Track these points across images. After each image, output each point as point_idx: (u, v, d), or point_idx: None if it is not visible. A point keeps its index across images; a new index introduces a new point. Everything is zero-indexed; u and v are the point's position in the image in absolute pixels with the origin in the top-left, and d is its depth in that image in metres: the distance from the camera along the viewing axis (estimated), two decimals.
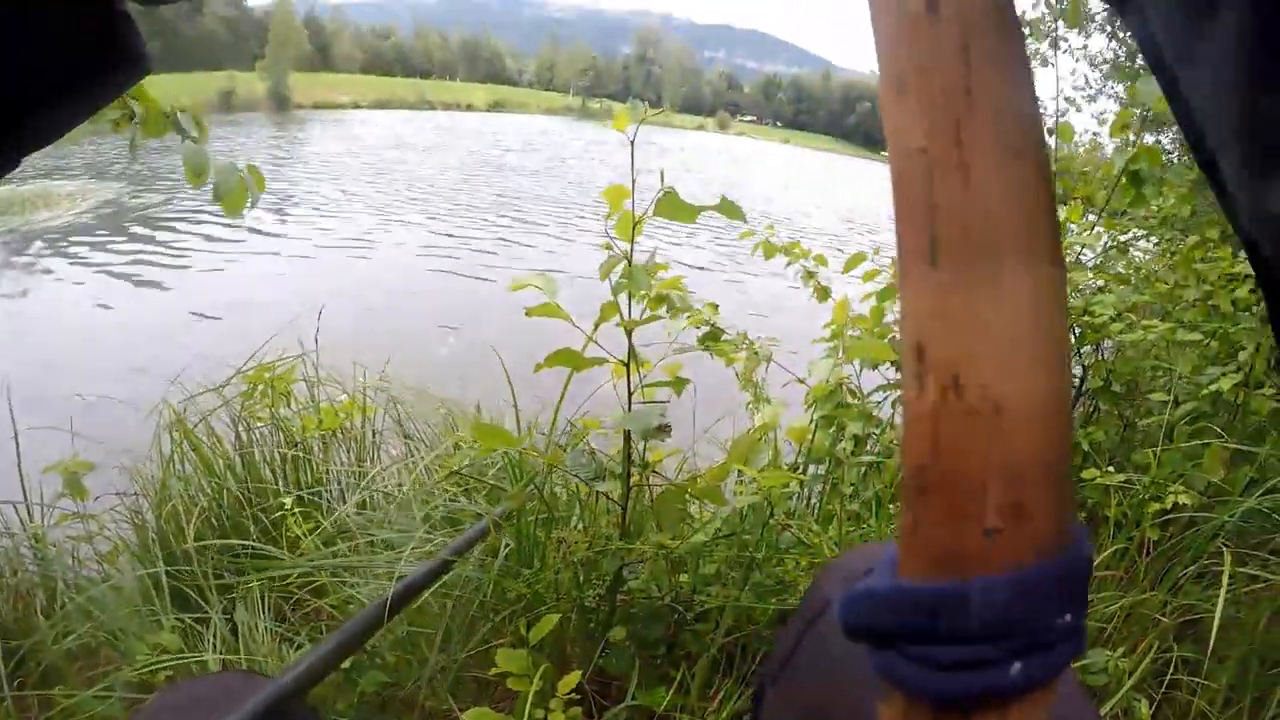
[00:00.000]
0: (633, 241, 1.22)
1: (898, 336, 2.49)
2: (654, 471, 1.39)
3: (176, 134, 1.68)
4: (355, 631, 1.17)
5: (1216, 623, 1.36)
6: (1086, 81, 6.96)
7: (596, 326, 1.27)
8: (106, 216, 12.95)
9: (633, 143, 1.20)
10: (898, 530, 0.27)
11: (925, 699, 0.26)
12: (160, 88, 1.73)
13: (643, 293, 1.24)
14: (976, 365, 0.25)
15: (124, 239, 11.13)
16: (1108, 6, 0.32)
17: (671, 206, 1.13)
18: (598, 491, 1.41)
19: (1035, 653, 0.25)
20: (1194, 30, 0.25)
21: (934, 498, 0.25)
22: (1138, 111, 2.29)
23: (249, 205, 1.61)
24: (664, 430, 1.22)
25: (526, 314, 1.22)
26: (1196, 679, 1.42)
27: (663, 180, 1.13)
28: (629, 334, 1.27)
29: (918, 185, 0.26)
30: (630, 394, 1.30)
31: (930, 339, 0.25)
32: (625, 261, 1.23)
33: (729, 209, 1.14)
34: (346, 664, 1.28)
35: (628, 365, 1.28)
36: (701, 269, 11.18)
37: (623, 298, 1.25)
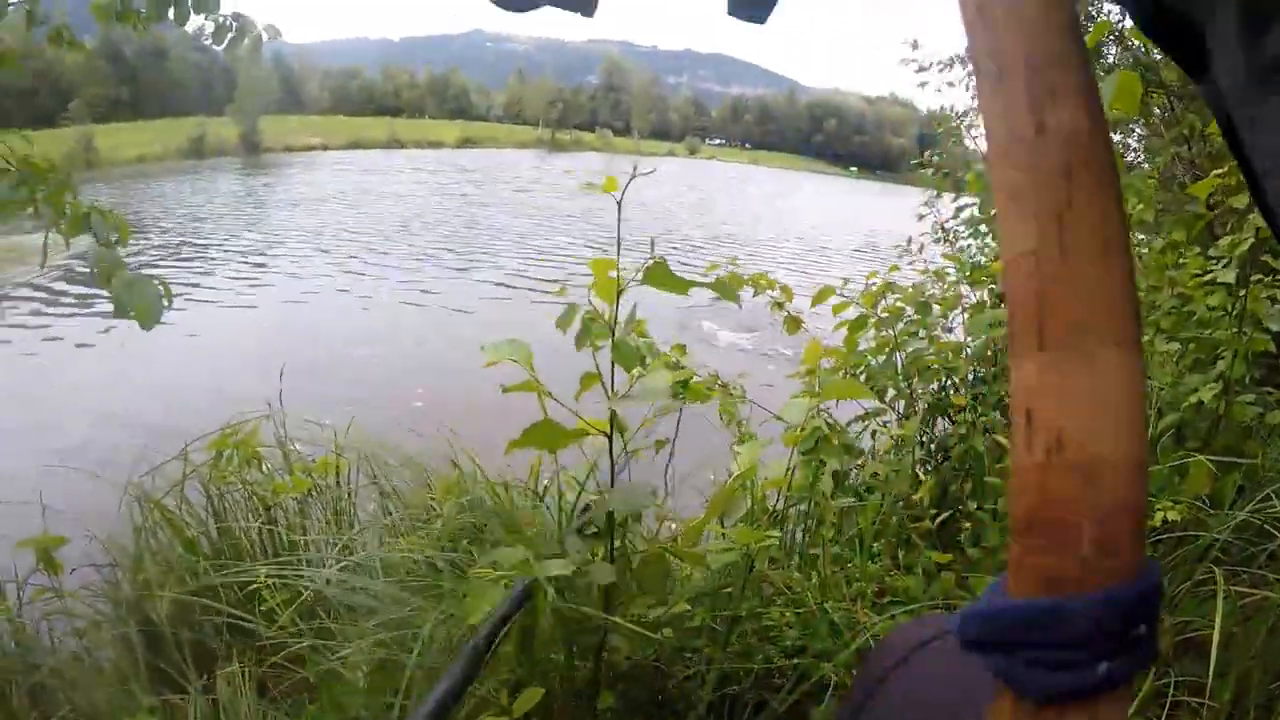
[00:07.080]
0: (616, 305, 1.15)
1: (875, 364, 2.50)
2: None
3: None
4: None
5: (1216, 639, 1.35)
6: None
7: (578, 396, 1.21)
8: (77, 271, 12.81)
9: (619, 203, 1.13)
10: (1007, 560, 0.32)
11: (1030, 696, 0.31)
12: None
13: (637, 370, 1.17)
14: (1075, 429, 0.30)
15: (88, 295, 11.01)
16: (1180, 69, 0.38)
17: (661, 278, 1.07)
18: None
19: (1118, 656, 0.30)
20: (1260, 99, 0.32)
21: (1040, 535, 0.31)
22: None
23: (157, 318, 1.60)
24: (651, 499, 1.18)
25: (503, 391, 1.17)
26: (1198, 699, 1.39)
27: (653, 248, 1.09)
28: (613, 411, 1.20)
29: (1026, 280, 0.31)
30: (614, 465, 1.24)
31: (1038, 407, 0.31)
32: (601, 323, 1.17)
33: (724, 289, 1.10)
34: None
35: (610, 437, 1.22)
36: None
37: (606, 365, 1.19)
